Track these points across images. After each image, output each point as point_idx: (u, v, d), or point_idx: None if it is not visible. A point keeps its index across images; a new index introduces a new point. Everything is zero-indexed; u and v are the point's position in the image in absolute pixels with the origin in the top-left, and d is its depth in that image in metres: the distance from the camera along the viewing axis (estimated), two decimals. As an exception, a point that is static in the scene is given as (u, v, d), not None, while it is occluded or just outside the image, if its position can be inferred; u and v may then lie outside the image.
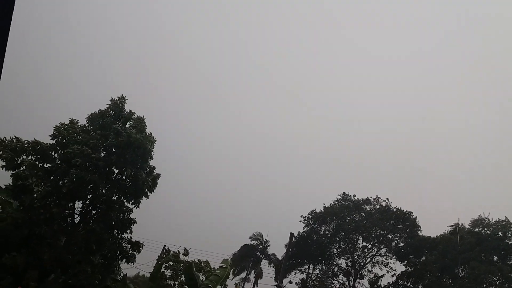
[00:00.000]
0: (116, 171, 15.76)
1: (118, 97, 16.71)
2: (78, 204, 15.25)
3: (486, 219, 37.30)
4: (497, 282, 30.81)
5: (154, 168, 16.78)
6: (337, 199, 43.59)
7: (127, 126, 16.32)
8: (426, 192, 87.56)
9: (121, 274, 17.08)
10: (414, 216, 40.21)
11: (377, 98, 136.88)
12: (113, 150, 15.50)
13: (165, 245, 32.67)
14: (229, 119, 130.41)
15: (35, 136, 14.76)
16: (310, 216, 42.78)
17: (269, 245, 46.31)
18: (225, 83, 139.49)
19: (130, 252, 15.85)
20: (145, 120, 16.80)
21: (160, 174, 16.82)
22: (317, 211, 42.98)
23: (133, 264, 16.14)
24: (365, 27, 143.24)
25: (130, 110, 16.79)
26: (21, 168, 14.12)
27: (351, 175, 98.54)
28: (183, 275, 21.75)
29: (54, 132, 14.97)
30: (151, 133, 16.80)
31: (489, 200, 70.77)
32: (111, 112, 16.35)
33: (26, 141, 14.46)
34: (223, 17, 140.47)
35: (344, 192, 43.59)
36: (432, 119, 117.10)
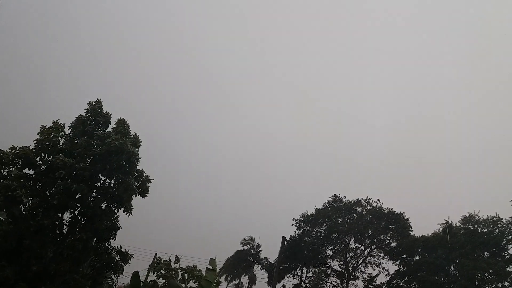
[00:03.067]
0: (103, 179, 15.52)
1: (94, 101, 16.14)
2: (67, 215, 15.02)
3: (476, 216, 37.71)
4: (490, 277, 31.20)
5: (143, 171, 16.26)
6: (328, 201, 43.79)
7: (109, 130, 15.90)
8: (419, 190, 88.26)
9: (114, 286, 16.83)
10: (406, 217, 40.60)
11: (371, 97, 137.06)
12: (98, 157, 15.26)
13: (156, 253, 32.55)
14: (222, 123, 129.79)
15: (22, 136, 14.47)
16: (302, 219, 42.89)
17: (261, 250, 46.32)
18: (222, 84, 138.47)
19: (119, 262, 15.50)
20: (127, 122, 16.39)
21: (149, 176, 16.28)
22: (309, 213, 43.15)
23: (118, 276, 15.86)
24: (362, 24, 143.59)
25: (107, 111, 16.20)
26: (8, 178, 13.80)
27: (343, 175, 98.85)
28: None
29: (39, 136, 14.66)
30: (136, 134, 16.36)
31: (481, 197, 71.50)
32: (91, 117, 15.92)
33: (8, 150, 14.10)
34: (223, 17, 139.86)
35: (335, 194, 43.83)
36: (426, 118, 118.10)
